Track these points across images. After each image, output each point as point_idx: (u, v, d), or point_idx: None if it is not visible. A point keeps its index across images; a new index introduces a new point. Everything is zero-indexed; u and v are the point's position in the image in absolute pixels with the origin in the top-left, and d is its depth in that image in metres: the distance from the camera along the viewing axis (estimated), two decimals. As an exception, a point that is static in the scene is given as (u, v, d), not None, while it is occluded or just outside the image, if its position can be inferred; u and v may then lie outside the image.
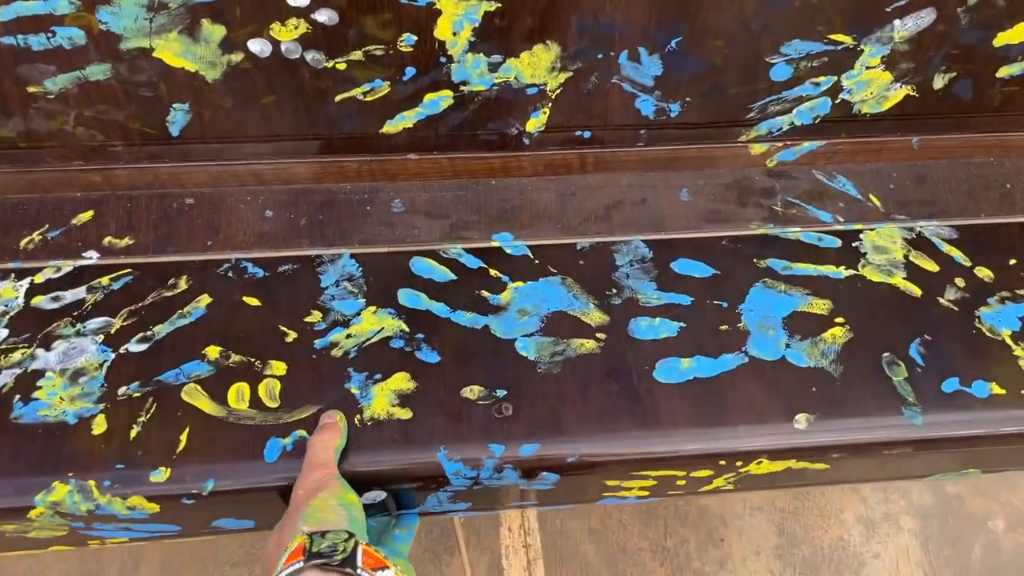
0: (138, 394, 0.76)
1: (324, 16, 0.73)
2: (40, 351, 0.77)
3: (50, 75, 0.74)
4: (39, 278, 0.81)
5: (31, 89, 0.75)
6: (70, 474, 0.71)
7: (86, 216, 0.85)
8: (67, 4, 0.70)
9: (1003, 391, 0.80)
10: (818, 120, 0.89)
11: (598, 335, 0.82)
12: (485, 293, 0.84)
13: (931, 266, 0.88)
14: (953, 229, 0.91)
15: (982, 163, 0.95)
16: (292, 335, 0.80)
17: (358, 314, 0.81)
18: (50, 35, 0.71)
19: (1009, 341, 0.83)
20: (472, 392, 0.78)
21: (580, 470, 0.77)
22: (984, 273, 0.88)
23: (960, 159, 0.95)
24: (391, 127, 0.83)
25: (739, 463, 0.78)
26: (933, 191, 0.93)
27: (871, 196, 0.93)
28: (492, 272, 0.85)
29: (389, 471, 0.75)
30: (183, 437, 0.74)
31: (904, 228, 0.90)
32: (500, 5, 0.73)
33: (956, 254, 0.89)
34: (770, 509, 1.72)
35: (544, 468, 0.76)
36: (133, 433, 0.74)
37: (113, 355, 0.77)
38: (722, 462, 0.78)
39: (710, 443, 0.77)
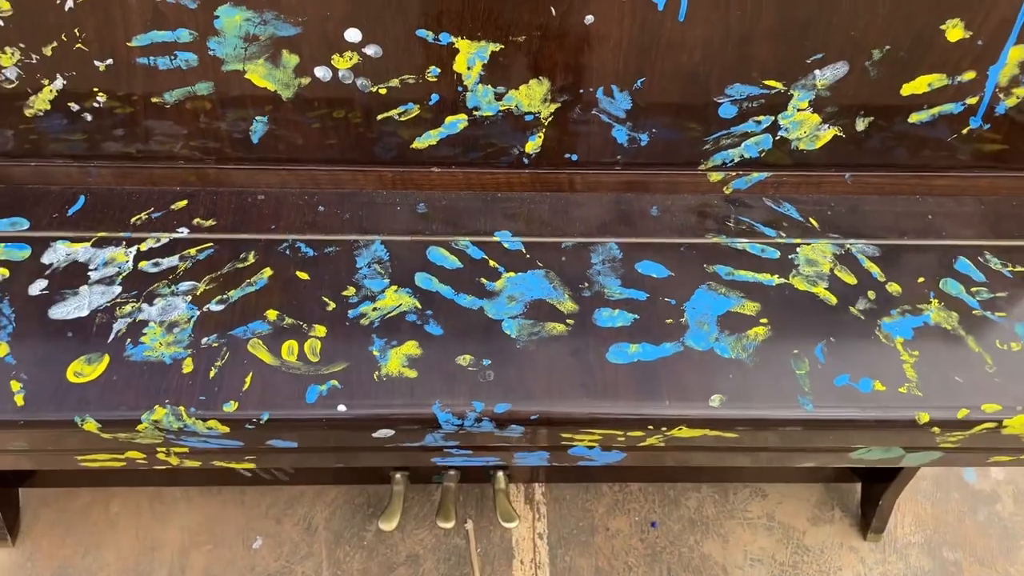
0: (216, 344, 0.98)
1: (372, 50, 0.98)
2: (145, 305, 1.00)
3: (169, 89, 1.01)
4: (144, 246, 1.06)
5: (154, 100, 1.02)
6: (167, 401, 0.93)
7: (182, 204, 1.10)
8: (187, 34, 0.97)
9: (883, 388, 0.97)
10: (763, 153, 1.10)
11: (568, 320, 1.02)
12: (483, 280, 1.05)
13: (851, 279, 1.07)
14: (877, 248, 1.10)
15: (908, 199, 1.14)
16: (332, 305, 1.02)
17: (383, 291, 1.03)
18: (172, 57, 0.98)
19: (900, 348, 1.01)
20: (464, 360, 0.98)
21: (540, 425, 0.96)
22: (894, 288, 1.06)
23: (888, 194, 1.14)
24: (419, 143, 1.07)
25: (664, 428, 0.96)
26: (864, 219, 1.12)
27: (810, 219, 1.12)
28: (491, 263, 1.06)
29: (396, 416, 0.95)
30: (247, 380, 0.96)
31: (836, 244, 1.09)
32: (503, 46, 0.98)
33: (875, 270, 1.08)
34: (769, 562, 1.82)
35: (512, 422, 0.96)
36: (212, 374, 0.96)
37: (198, 312, 1.00)
38: (651, 426, 0.96)
39: (642, 410, 0.95)
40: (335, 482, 1.81)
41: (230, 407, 0.94)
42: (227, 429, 0.94)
